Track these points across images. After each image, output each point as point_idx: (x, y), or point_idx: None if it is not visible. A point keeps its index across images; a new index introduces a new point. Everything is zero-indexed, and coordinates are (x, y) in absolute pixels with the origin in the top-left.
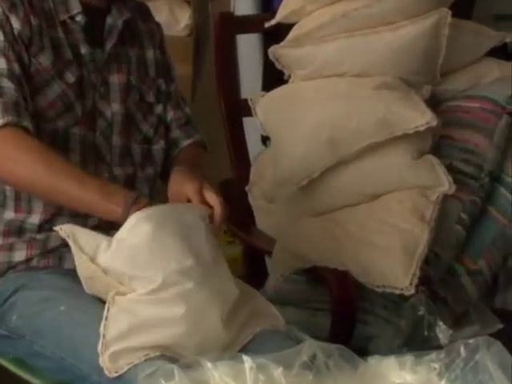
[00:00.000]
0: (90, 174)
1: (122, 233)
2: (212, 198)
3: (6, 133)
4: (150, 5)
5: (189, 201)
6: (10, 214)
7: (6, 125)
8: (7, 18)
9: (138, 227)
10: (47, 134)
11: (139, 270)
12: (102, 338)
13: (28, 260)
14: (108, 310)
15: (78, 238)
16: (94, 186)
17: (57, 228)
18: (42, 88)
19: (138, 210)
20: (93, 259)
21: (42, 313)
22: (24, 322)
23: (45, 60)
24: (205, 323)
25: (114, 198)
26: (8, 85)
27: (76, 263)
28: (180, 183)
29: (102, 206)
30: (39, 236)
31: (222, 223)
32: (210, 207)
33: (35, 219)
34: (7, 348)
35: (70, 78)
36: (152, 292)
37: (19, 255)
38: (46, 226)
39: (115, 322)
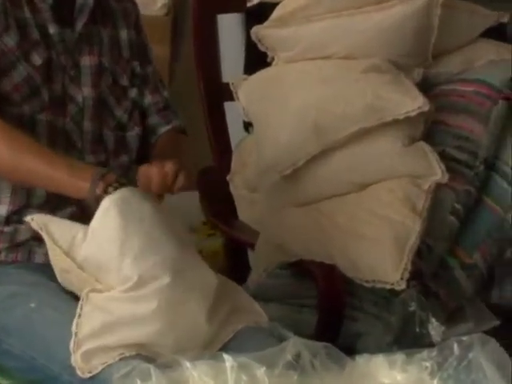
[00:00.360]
0: (57, 153)
1: (95, 221)
2: (168, 166)
3: None
4: None
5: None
6: None
7: None
8: None
9: (107, 215)
10: (13, 119)
11: (113, 265)
12: (74, 336)
13: None
14: (81, 307)
15: (52, 229)
16: (62, 163)
17: (28, 219)
18: (7, 70)
19: (107, 185)
20: (68, 252)
21: (10, 309)
22: None
23: (9, 40)
24: (182, 319)
25: (81, 174)
26: None
27: (50, 255)
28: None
29: (69, 182)
30: (7, 229)
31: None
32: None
33: (2, 210)
34: None
35: (37, 60)
36: (129, 289)
37: None
38: (14, 217)
39: (88, 320)
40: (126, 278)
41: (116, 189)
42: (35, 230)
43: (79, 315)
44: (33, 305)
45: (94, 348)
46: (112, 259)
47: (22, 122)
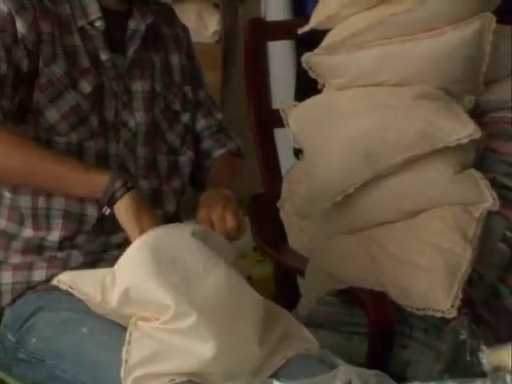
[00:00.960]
0: (69, 157)
1: (124, 259)
2: (230, 222)
3: None
4: (178, 9)
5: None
6: (28, 232)
7: None
8: (12, 19)
9: (138, 253)
10: (60, 149)
11: (149, 297)
12: (124, 363)
13: (48, 280)
14: (130, 334)
15: (80, 284)
16: (75, 163)
17: (55, 282)
18: (54, 99)
19: (124, 183)
20: (104, 302)
21: (62, 335)
22: (44, 344)
23: (57, 70)
24: (234, 345)
25: (96, 171)
26: None
27: (90, 306)
28: (205, 209)
29: (85, 179)
30: (60, 254)
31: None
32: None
33: (55, 236)
34: (26, 372)
35: (86, 87)
36: (167, 322)
37: (39, 275)
38: (67, 243)
39: (138, 347)
40: (162, 310)
41: (125, 192)
42: (87, 255)
43: (128, 342)
44: (85, 330)
45: (145, 375)
46: (147, 292)
47: (69, 150)
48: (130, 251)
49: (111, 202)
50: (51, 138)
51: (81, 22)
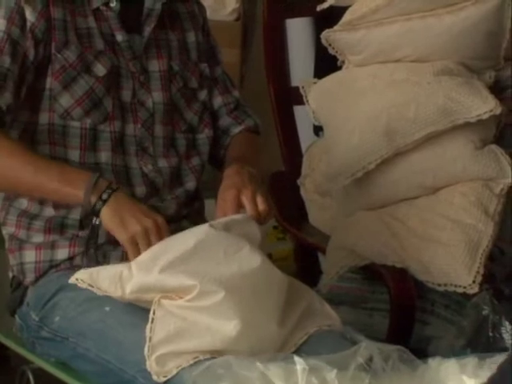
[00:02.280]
0: (50, 160)
1: (142, 256)
2: (246, 202)
3: None
4: None
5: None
6: (49, 211)
7: None
8: (19, 9)
9: (158, 251)
10: (75, 133)
11: (171, 284)
12: (148, 341)
13: (71, 258)
14: (154, 312)
15: (99, 282)
16: (54, 172)
17: (73, 280)
18: (68, 85)
19: (100, 192)
20: (124, 295)
21: (85, 314)
22: (67, 322)
23: (70, 55)
24: (255, 325)
25: (74, 182)
26: None
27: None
28: (235, 189)
29: (63, 192)
30: (82, 233)
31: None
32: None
33: (76, 214)
34: (49, 350)
35: (101, 70)
36: (192, 300)
37: (62, 253)
38: (88, 222)
39: (162, 325)
40: (188, 288)
41: (109, 195)
42: (110, 233)
43: (152, 320)
44: (107, 308)
45: (169, 352)
46: (169, 279)
47: (84, 134)
48: (148, 251)
49: (95, 214)
50: (66, 123)
51: (95, 4)
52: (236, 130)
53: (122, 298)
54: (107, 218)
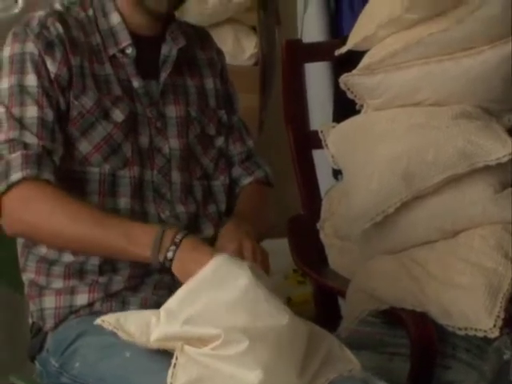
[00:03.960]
0: (114, 218)
1: (171, 303)
2: (246, 252)
3: (24, 186)
4: (215, 33)
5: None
6: (68, 257)
7: (24, 179)
8: (43, 61)
9: (188, 298)
10: (94, 179)
11: (197, 331)
12: None
13: (90, 304)
14: (176, 357)
15: (125, 326)
16: (119, 232)
17: (99, 321)
18: (86, 131)
19: (170, 243)
20: (148, 341)
21: (106, 359)
22: (88, 369)
23: (87, 101)
24: (275, 377)
25: (139, 241)
26: (32, 140)
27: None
28: (236, 242)
29: (129, 252)
30: (101, 279)
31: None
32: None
33: (95, 260)
34: None
35: (119, 116)
36: (216, 348)
37: (81, 299)
38: (107, 267)
39: (184, 371)
40: (213, 337)
41: (174, 252)
42: (130, 279)
43: (174, 365)
44: (128, 354)
45: None
46: (194, 330)
47: (103, 180)
48: (177, 294)
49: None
50: (85, 169)
51: (112, 51)
52: (245, 181)
53: (146, 344)
54: (178, 274)
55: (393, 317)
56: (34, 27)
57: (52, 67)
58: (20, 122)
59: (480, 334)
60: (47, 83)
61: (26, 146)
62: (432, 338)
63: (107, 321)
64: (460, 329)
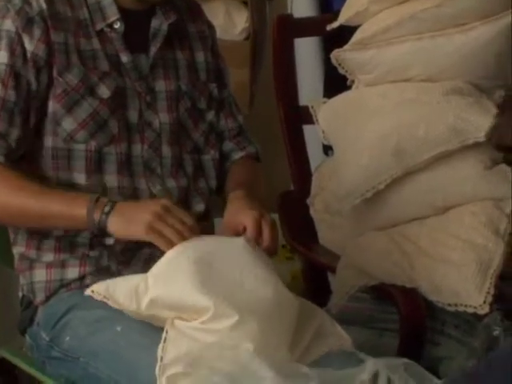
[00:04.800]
0: (51, 189)
1: (158, 267)
2: (266, 233)
3: None
4: (206, 8)
5: (245, 230)
6: (59, 231)
7: None
8: (19, 38)
9: (175, 260)
10: (80, 156)
11: (186, 303)
12: (159, 360)
13: (81, 278)
14: (167, 332)
15: (114, 294)
16: (54, 197)
17: (89, 292)
18: (71, 108)
19: (102, 208)
20: (139, 310)
21: (97, 333)
22: (78, 342)
23: (72, 78)
24: (269, 352)
25: (75, 203)
26: None
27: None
28: (236, 212)
29: (65, 214)
30: (92, 253)
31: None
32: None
33: (86, 233)
34: (61, 370)
35: (105, 92)
36: (206, 322)
37: (72, 272)
38: (97, 241)
39: (174, 345)
40: (202, 310)
41: (112, 206)
42: (121, 254)
43: (165, 339)
44: (119, 328)
45: (180, 373)
46: (184, 296)
47: (89, 157)
48: (164, 259)
49: (102, 231)
50: (70, 146)
51: (99, 26)
52: (237, 155)
53: (137, 312)
54: (115, 227)
55: (383, 292)
56: (16, 2)
57: (29, 45)
58: None
59: (470, 311)
60: (20, 62)
61: None
62: (421, 314)
63: (97, 291)
64: (450, 305)
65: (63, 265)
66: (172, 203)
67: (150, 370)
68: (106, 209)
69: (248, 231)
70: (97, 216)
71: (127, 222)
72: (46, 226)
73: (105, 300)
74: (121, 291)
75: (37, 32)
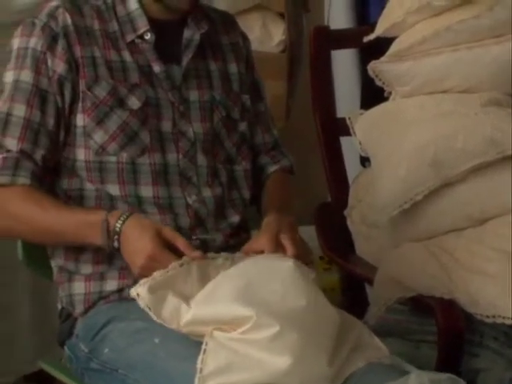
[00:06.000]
0: (69, 209)
1: (200, 294)
2: (286, 241)
3: None
4: (242, 20)
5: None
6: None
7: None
8: (44, 56)
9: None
10: (111, 168)
11: (227, 316)
12: (198, 372)
13: (120, 290)
14: (206, 343)
15: (157, 308)
16: (70, 222)
17: (133, 294)
18: (101, 121)
19: (112, 240)
20: (178, 326)
21: (135, 345)
22: (117, 354)
23: (101, 91)
24: (306, 363)
25: (89, 232)
26: (12, 143)
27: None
28: (275, 229)
29: (82, 241)
30: None
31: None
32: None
33: None
34: (99, 382)
35: (135, 103)
36: (246, 332)
37: (111, 285)
38: None
39: (213, 357)
40: (244, 319)
41: (123, 222)
42: None
43: (204, 351)
44: (157, 340)
45: None
46: (226, 309)
47: (121, 168)
48: (209, 285)
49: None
50: (102, 159)
51: (130, 37)
52: (271, 169)
53: (177, 328)
54: (125, 257)
55: (420, 304)
56: (42, 17)
57: (51, 63)
58: (5, 120)
59: (508, 322)
60: (46, 81)
61: (5, 148)
62: (460, 326)
63: (142, 297)
64: (488, 317)
65: (102, 277)
66: (159, 250)
67: (189, 382)
68: (116, 244)
69: (265, 248)
70: (110, 245)
71: (130, 246)
72: (56, 243)
73: (146, 309)
74: (164, 306)
75: (60, 48)
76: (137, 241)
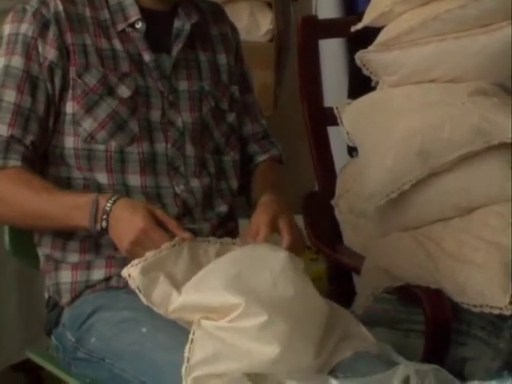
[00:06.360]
0: (59, 191)
1: (191, 283)
2: (283, 226)
3: None
4: (230, 9)
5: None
6: (83, 232)
7: None
8: (35, 42)
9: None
10: (100, 156)
11: (216, 302)
12: (186, 361)
13: (107, 279)
14: (193, 333)
15: (148, 292)
16: (60, 204)
17: (125, 274)
18: (90, 109)
19: (100, 221)
20: (166, 312)
21: (122, 334)
22: (103, 344)
23: (91, 79)
24: (296, 353)
25: (77, 214)
26: (2, 129)
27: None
28: (272, 212)
29: (69, 224)
30: (118, 254)
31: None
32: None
33: None
34: (86, 371)
35: (125, 92)
36: (234, 320)
37: (98, 274)
38: None
39: (201, 346)
40: (232, 307)
41: (114, 202)
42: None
43: (191, 340)
44: (144, 330)
45: (206, 374)
46: (215, 296)
47: (110, 157)
48: (200, 273)
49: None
50: (90, 146)
51: (121, 26)
52: (261, 158)
53: (165, 314)
54: (113, 239)
55: (408, 294)
56: (33, 3)
57: (42, 50)
58: None
59: (495, 311)
60: (36, 66)
61: None
62: (447, 315)
63: (133, 278)
64: (475, 306)
65: (89, 266)
66: (152, 226)
67: (176, 371)
68: (104, 224)
69: (261, 231)
70: (98, 227)
71: (119, 229)
72: (44, 226)
73: (136, 291)
74: (154, 290)
75: (52, 35)
76: (128, 218)
